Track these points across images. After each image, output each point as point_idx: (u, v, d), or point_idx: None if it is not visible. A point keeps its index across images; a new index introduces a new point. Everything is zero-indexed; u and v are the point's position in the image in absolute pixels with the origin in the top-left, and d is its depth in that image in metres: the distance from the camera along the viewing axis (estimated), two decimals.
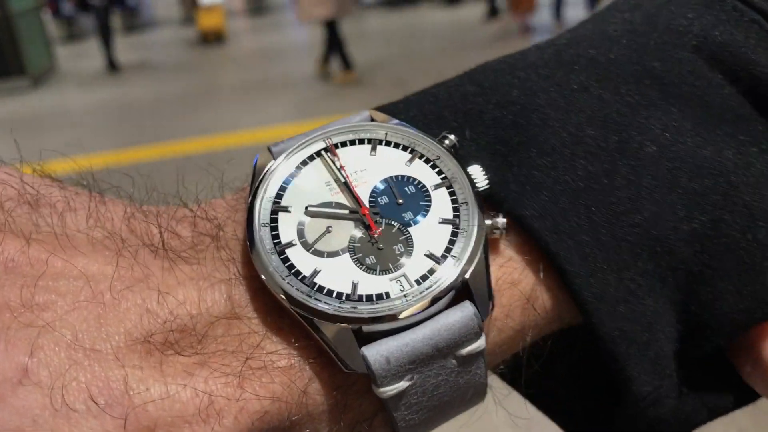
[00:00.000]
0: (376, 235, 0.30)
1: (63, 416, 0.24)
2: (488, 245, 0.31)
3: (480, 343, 0.29)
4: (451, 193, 0.32)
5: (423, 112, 0.36)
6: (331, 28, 6.29)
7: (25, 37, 8.78)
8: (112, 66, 8.75)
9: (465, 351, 0.29)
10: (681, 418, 0.34)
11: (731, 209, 0.31)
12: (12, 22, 8.60)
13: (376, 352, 0.28)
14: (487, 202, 0.33)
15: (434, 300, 0.29)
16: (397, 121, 0.34)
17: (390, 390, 0.28)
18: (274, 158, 0.33)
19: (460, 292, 0.29)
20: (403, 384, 0.28)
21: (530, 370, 0.34)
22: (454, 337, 0.29)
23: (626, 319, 0.31)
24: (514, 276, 0.32)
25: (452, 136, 0.33)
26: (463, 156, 0.33)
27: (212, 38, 10.01)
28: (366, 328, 0.28)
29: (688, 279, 0.31)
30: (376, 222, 0.31)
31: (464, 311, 0.29)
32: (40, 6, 10.05)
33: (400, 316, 0.28)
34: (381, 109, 0.36)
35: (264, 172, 0.32)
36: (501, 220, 0.31)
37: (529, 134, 0.33)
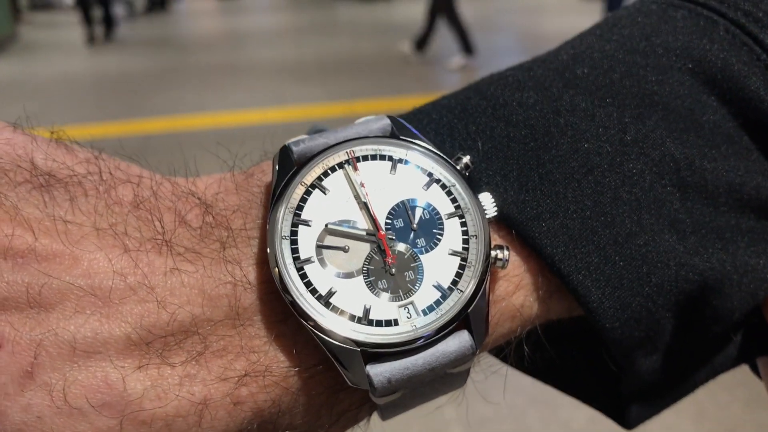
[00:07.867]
0: (390, 263, 0.31)
1: (65, 414, 0.26)
2: (489, 276, 0.32)
3: (469, 364, 0.31)
4: (463, 224, 0.33)
5: (438, 124, 0.36)
6: None
7: None
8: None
9: (455, 371, 0.31)
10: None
11: None
12: None
13: (379, 374, 0.29)
14: (497, 222, 0.34)
15: (438, 331, 0.30)
16: (416, 139, 0.34)
17: (386, 400, 0.31)
18: (295, 158, 0.33)
19: (460, 321, 0.31)
20: (397, 395, 0.31)
21: (521, 351, 0.36)
22: (449, 362, 0.31)
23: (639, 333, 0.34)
24: (509, 289, 0.34)
25: (467, 158, 0.34)
26: (475, 177, 0.35)
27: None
28: (373, 350, 0.30)
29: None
30: (391, 248, 0.31)
31: (461, 341, 0.31)
32: None
33: (405, 345, 0.30)
34: (400, 117, 0.37)
35: (287, 177, 0.32)
36: (505, 254, 0.32)
37: (539, 158, 0.34)
